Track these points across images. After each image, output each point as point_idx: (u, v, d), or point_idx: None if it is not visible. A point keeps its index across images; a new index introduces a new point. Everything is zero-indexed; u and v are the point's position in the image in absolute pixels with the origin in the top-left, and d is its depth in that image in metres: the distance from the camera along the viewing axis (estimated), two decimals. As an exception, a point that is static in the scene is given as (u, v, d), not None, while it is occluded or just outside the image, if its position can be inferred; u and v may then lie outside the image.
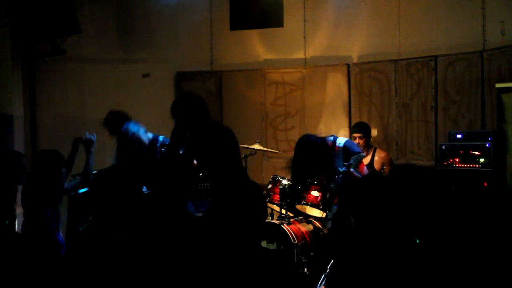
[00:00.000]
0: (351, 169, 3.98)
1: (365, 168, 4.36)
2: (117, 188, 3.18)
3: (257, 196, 4.34)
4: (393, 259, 2.91)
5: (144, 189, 4.54)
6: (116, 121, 5.12)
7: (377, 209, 3.06)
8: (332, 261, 3.17)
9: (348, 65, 6.59)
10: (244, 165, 4.84)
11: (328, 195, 4.38)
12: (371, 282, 2.83)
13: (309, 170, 4.36)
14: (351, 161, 4.03)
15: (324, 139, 4.60)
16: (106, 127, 5.20)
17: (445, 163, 5.19)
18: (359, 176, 4.05)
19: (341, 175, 4.05)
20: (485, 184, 4.84)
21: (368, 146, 5.49)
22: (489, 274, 3.78)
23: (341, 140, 4.35)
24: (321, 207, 5.27)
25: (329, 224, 4.36)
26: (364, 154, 4.21)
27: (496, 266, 3.91)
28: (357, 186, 3.85)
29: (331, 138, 4.57)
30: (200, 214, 4.95)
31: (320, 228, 5.36)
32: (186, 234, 3.99)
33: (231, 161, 4.03)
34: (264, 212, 4.36)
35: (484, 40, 5.96)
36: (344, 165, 4.01)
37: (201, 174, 5.39)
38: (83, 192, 5.00)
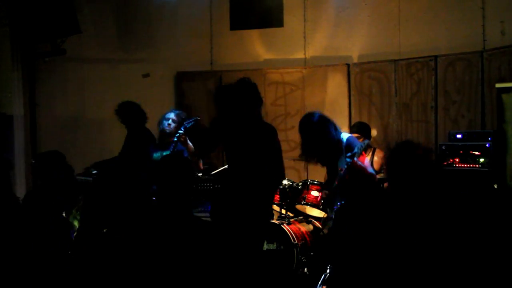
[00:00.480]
0: (355, 158, 3.91)
1: (366, 159, 4.26)
2: (119, 188, 3.18)
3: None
4: (394, 259, 2.91)
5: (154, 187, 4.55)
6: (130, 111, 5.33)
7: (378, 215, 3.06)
8: (332, 262, 3.16)
9: (348, 65, 6.59)
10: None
11: (329, 193, 4.33)
12: (371, 283, 2.83)
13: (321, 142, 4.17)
14: (355, 150, 3.95)
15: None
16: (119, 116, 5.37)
17: (445, 163, 5.18)
18: (362, 165, 3.97)
19: (344, 170, 3.98)
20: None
21: (368, 146, 5.48)
22: (490, 274, 3.77)
23: (343, 136, 4.27)
24: (321, 207, 5.27)
25: (330, 224, 4.31)
26: (368, 141, 4.10)
27: (496, 266, 3.91)
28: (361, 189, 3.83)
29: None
30: (199, 214, 4.97)
31: (320, 228, 5.36)
32: (187, 233, 3.98)
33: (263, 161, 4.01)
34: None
35: (484, 40, 5.96)
36: (347, 157, 3.94)
37: (200, 174, 5.41)
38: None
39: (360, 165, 3.94)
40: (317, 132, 4.02)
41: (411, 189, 3.09)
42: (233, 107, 3.99)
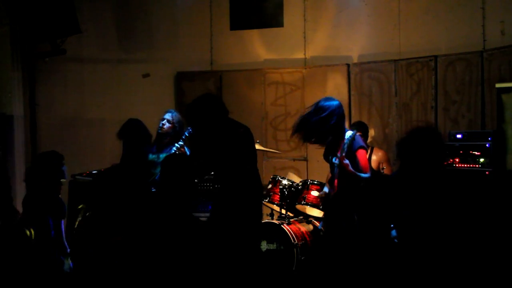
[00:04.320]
0: (345, 147, 4.01)
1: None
2: (118, 188, 3.18)
3: (259, 198, 4.38)
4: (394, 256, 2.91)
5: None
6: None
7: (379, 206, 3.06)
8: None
9: (348, 65, 6.59)
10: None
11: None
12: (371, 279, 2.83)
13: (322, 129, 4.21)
14: (345, 140, 4.04)
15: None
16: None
17: (445, 163, 5.18)
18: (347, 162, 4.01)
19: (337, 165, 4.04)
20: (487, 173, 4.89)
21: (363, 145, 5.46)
22: (489, 274, 3.77)
23: (347, 134, 4.29)
24: (321, 207, 5.27)
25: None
26: (355, 131, 4.20)
27: (495, 266, 3.91)
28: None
29: None
30: (200, 215, 4.97)
31: (320, 228, 5.36)
32: (187, 234, 3.99)
33: (245, 163, 4.12)
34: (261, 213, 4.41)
35: (484, 40, 5.96)
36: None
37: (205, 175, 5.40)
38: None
39: (346, 165, 3.96)
40: (340, 114, 4.25)
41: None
42: (199, 121, 4.14)
